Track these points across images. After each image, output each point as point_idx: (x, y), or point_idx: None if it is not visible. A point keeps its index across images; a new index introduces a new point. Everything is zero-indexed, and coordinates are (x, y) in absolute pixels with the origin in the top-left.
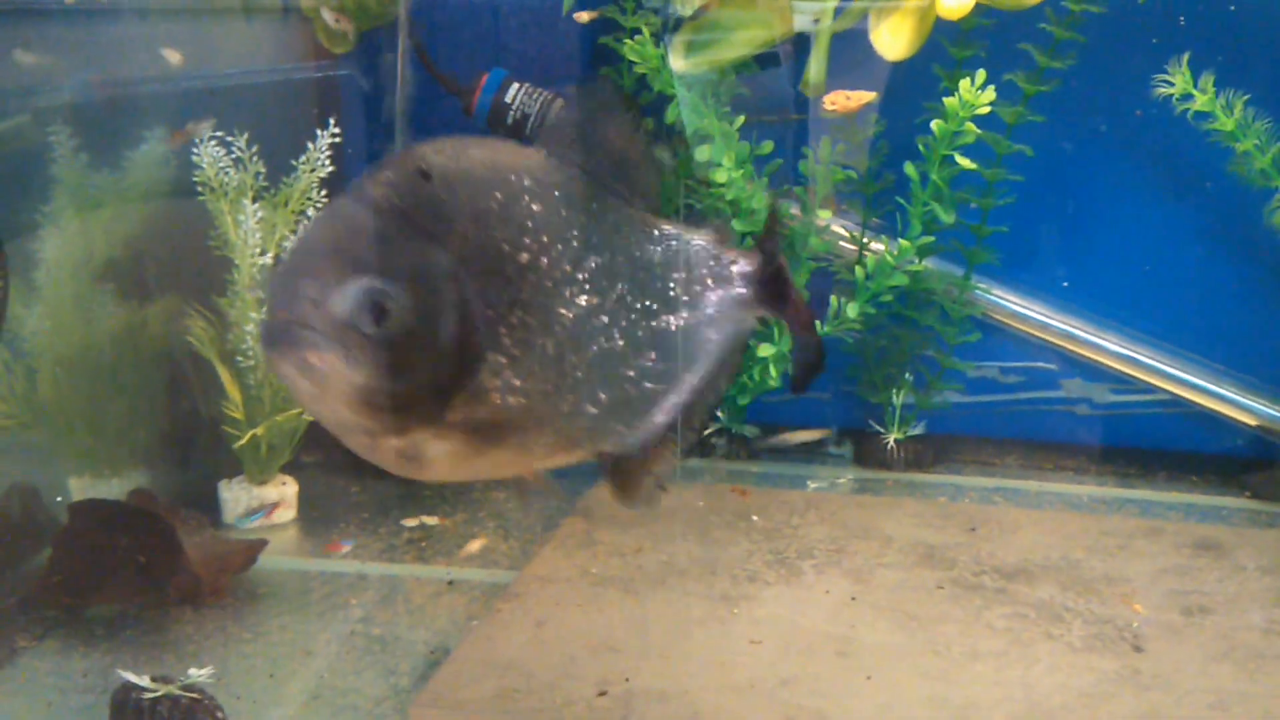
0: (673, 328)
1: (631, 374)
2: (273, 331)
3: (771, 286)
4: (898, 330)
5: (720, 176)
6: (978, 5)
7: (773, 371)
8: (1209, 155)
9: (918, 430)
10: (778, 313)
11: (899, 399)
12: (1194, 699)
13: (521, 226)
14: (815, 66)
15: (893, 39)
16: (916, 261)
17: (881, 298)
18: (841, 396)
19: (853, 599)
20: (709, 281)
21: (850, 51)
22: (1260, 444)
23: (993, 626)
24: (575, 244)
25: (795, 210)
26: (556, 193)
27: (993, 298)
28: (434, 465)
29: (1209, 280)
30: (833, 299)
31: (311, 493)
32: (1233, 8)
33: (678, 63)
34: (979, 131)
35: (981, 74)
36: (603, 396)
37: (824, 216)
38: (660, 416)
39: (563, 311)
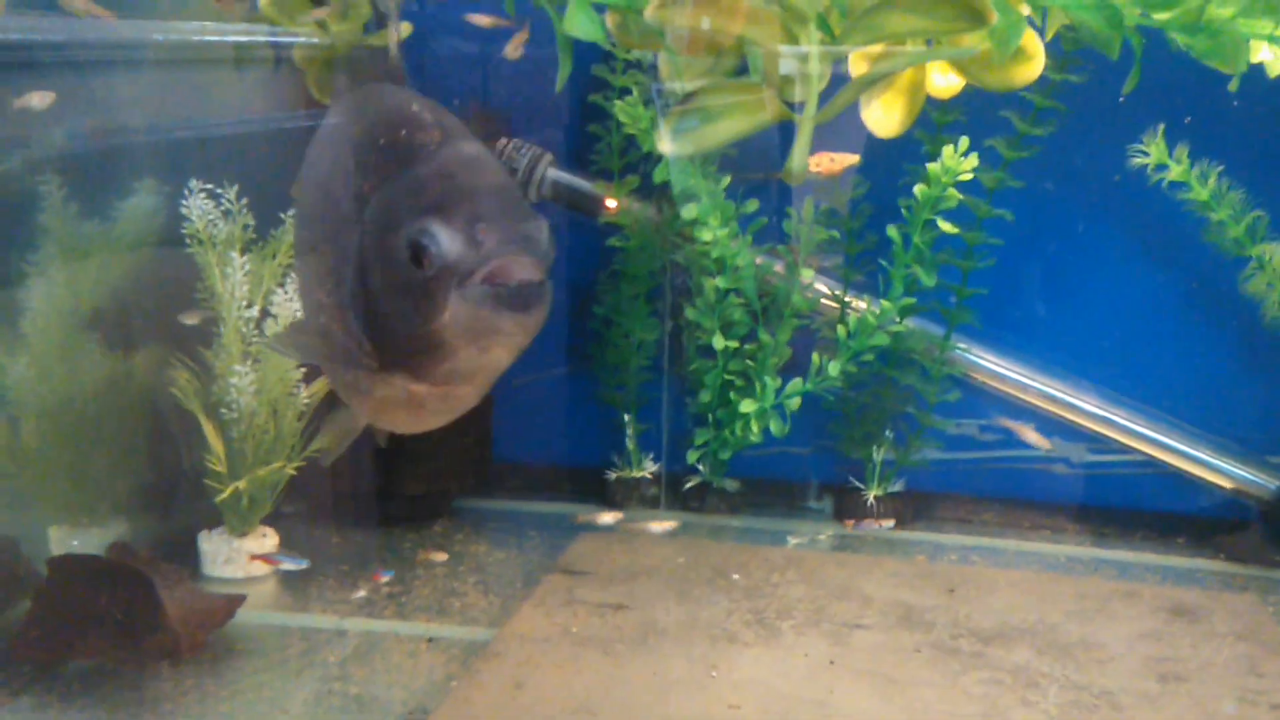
0: None
1: None
2: (531, 289)
3: None
4: (878, 388)
5: (706, 235)
6: None
7: (754, 426)
8: (1184, 223)
9: (897, 487)
10: None
11: (879, 455)
12: None
13: None
14: (798, 155)
15: (885, 116)
16: (898, 321)
17: (863, 356)
18: (822, 451)
19: (831, 662)
20: None
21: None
22: (1234, 506)
23: (969, 693)
24: None
25: (779, 268)
26: None
27: (972, 358)
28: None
29: (1184, 344)
30: (815, 356)
31: (291, 544)
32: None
33: (665, 146)
34: (960, 196)
35: (965, 141)
36: None
37: (807, 275)
38: None
39: None
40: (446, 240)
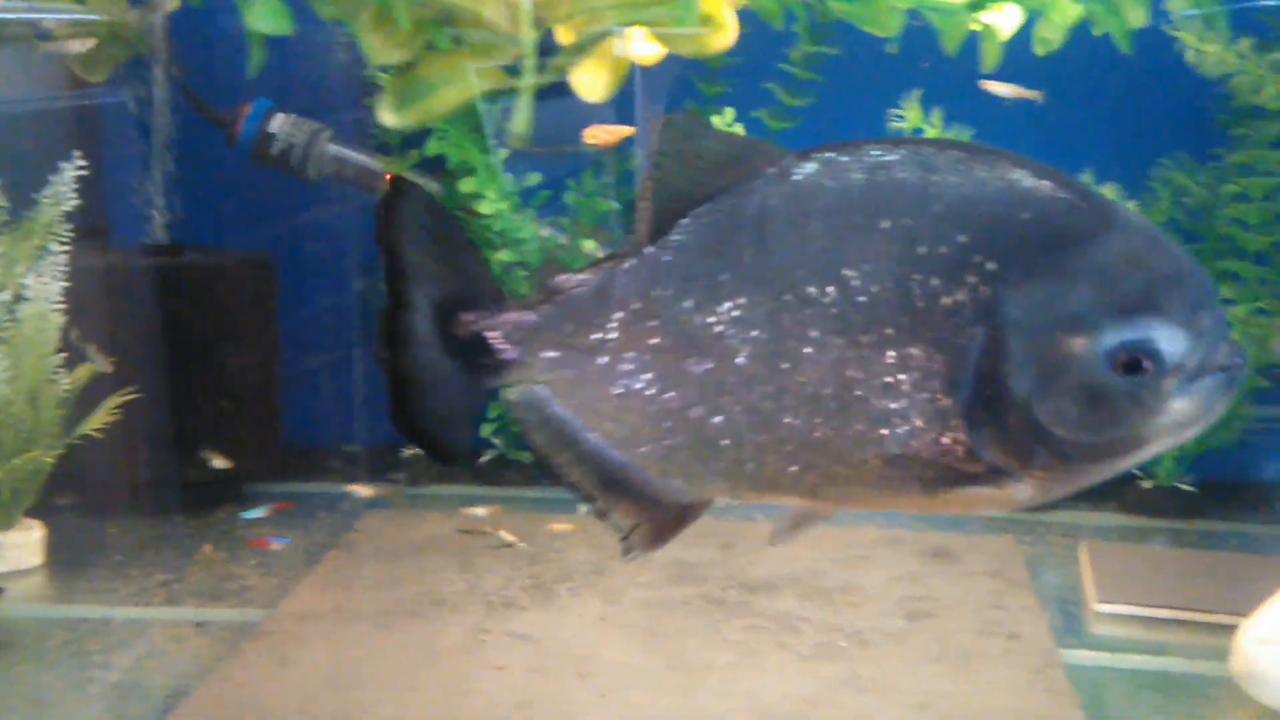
0: None
1: None
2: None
3: None
4: None
5: (486, 208)
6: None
7: None
8: None
9: None
10: None
11: None
12: (903, 700)
13: None
14: (520, 119)
15: (592, 82)
16: None
17: None
18: None
19: (602, 619)
20: None
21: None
22: None
23: (729, 639)
24: None
25: (563, 240)
26: None
27: None
28: None
29: None
30: None
31: (62, 536)
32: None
33: (387, 116)
34: None
35: (730, 112)
36: None
37: (589, 246)
38: None
39: None
40: (1170, 341)
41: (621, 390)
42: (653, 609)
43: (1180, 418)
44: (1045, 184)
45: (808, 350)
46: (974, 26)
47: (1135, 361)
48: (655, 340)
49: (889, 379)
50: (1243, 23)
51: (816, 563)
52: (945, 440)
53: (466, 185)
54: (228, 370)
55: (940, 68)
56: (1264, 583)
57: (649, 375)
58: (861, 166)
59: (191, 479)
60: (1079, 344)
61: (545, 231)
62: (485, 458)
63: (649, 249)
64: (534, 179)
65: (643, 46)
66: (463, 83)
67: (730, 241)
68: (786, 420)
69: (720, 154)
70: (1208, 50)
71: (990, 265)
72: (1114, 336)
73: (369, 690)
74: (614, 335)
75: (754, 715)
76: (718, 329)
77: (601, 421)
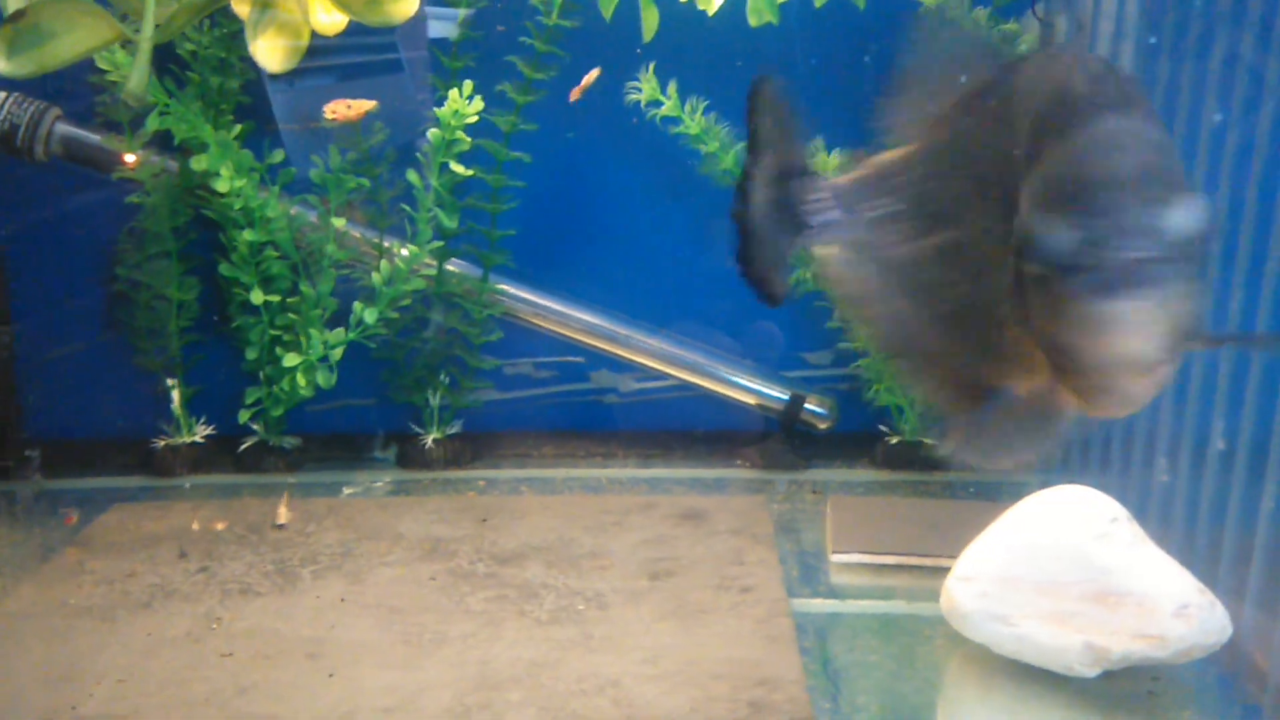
0: None
1: None
2: (1126, 273)
3: None
4: (423, 333)
5: (222, 186)
6: (467, 18)
7: (302, 380)
8: (688, 157)
9: (455, 429)
10: None
11: (435, 400)
12: (631, 655)
13: None
14: (136, 76)
15: (270, 53)
16: (431, 266)
17: (401, 302)
18: (383, 401)
19: (342, 600)
20: None
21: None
22: (757, 419)
23: (471, 611)
24: None
25: (313, 218)
26: None
27: (517, 298)
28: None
29: (699, 273)
30: (356, 306)
31: None
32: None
33: (1, 64)
34: (470, 140)
35: (469, 85)
36: None
37: (338, 224)
38: None
39: None
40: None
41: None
42: (397, 586)
43: (1085, 321)
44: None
45: None
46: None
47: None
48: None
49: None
50: None
51: (569, 531)
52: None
53: (198, 163)
54: None
55: (670, 40)
56: (983, 526)
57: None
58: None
59: None
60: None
61: (295, 210)
62: (246, 445)
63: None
64: (277, 156)
65: (326, 17)
66: (83, 32)
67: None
68: None
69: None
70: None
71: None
72: (1024, 227)
73: (84, 684)
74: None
75: (480, 681)
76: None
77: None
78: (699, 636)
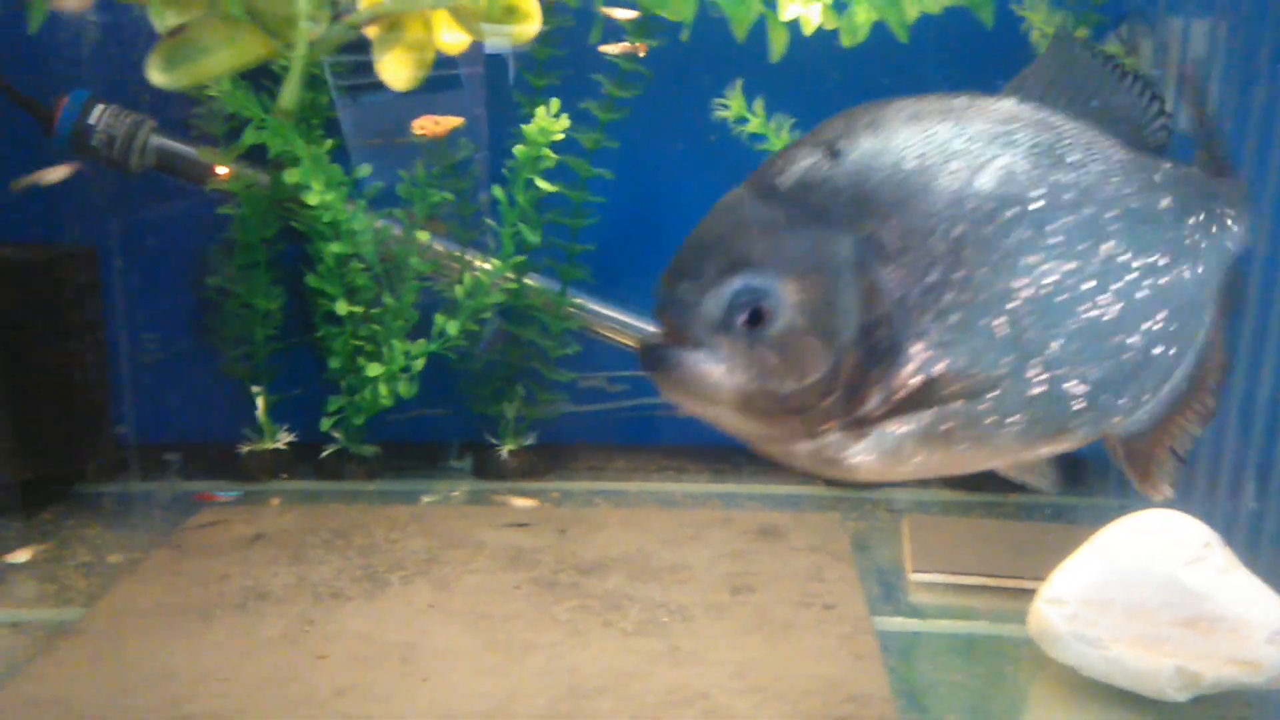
0: (1181, 281)
1: (1132, 341)
2: (647, 352)
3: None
4: (502, 345)
5: (312, 199)
6: (548, 35)
7: (383, 390)
8: None
9: (530, 440)
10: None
11: (511, 412)
12: (718, 669)
13: (958, 197)
14: (288, 93)
15: (396, 70)
16: (513, 279)
17: (482, 315)
18: (460, 411)
19: (431, 606)
20: (1204, 219)
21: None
22: None
23: (557, 620)
24: (1042, 205)
25: (398, 231)
26: (1022, 147)
27: (594, 312)
28: (865, 467)
29: None
30: (437, 318)
31: None
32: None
33: (156, 76)
34: (556, 156)
35: (555, 102)
36: (1094, 372)
37: (423, 237)
38: (1171, 383)
39: (1020, 285)
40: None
41: None
42: (483, 594)
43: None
44: None
45: None
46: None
47: None
48: None
49: None
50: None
51: (647, 544)
52: None
53: (290, 176)
54: (51, 368)
55: (759, 56)
56: (1066, 549)
57: None
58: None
59: (15, 479)
60: None
61: (379, 223)
62: (327, 452)
63: None
64: (364, 170)
65: (450, 36)
66: (236, 48)
67: None
68: None
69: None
70: (1051, 32)
71: None
72: None
73: (184, 683)
74: None
75: (571, 690)
76: None
77: None
78: (784, 651)
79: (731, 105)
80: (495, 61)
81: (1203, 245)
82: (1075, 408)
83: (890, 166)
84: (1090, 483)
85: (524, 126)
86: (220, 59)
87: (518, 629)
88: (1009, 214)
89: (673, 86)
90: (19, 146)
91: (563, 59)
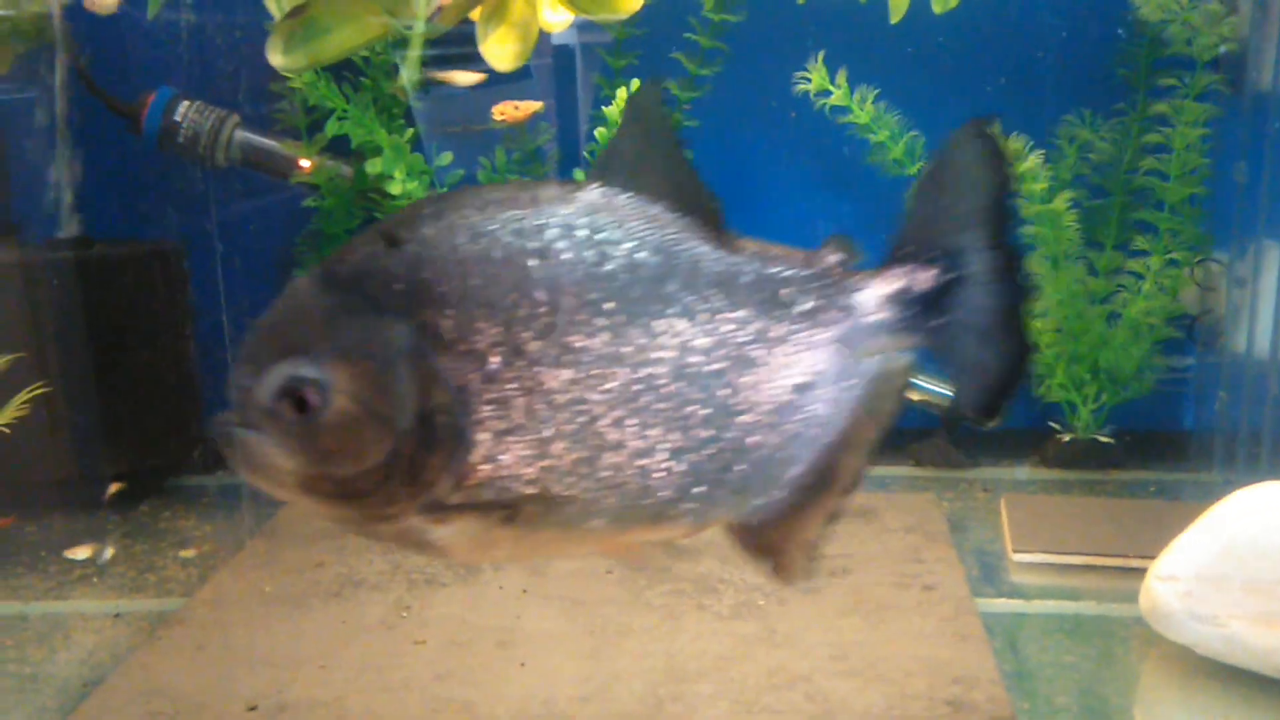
0: (778, 376)
1: (727, 434)
2: (216, 428)
3: (933, 304)
4: None
5: (395, 189)
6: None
7: None
8: (853, 148)
9: None
10: (935, 337)
11: None
12: (817, 652)
13: (521, 286)
14: (409, 70)
15: (500, 50)
16: None
17: None
18: None
19: (524, 591)
20: (826, 314)
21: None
22: (921, 416)
23: (651, 604)
24: (613, 295)
25: None
26: (597, 236)
27: None
28: (454, 549)
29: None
30: None
31: None
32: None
33: (276, 58)
34: None
35: (636, 83)
36: (680, 465)
37: None
38: (792, 478)
39: (590, 375)
40: None
41: None
42: (576, 579)
43: None
44: None
45: None
46: None
47: None
48: None
49: None
50: None
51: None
52: None
53: (374, 166)
54: (142, 363)
55: (840, 28)
56: (1173, 526)
57: None
58: None
59: (110, 473)
60: None
61: None
62: None
63: None
64: (446, 159)
65: (553, 15)
66: (354, 27)
67: None
68: None
69: None
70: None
71: None
72: None
73: (285, 669)
74: None
75: (669, 673)
76: None
77: None
78: (885, 633)
79: (813, 79)
80: (563, 53)
81: (814, 339)
82: (664, 496)
83: (448, 255)
84: (1192, 458)
85: (604, 108)
86: (340, 39)
87: (612, 613)
88: (575, 303)
89: (751, 63)
90: (106, 146)
91: (641, 39)
